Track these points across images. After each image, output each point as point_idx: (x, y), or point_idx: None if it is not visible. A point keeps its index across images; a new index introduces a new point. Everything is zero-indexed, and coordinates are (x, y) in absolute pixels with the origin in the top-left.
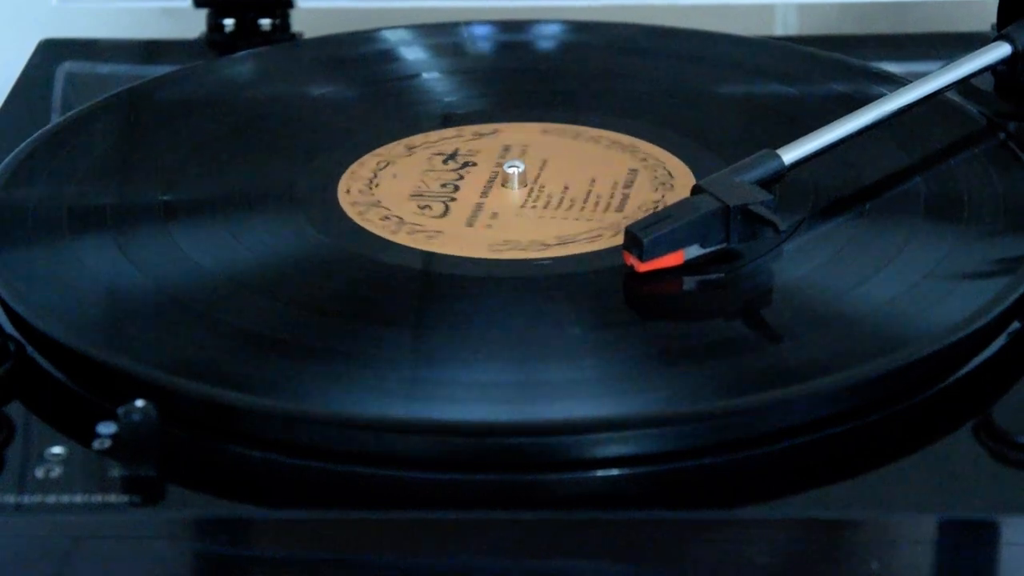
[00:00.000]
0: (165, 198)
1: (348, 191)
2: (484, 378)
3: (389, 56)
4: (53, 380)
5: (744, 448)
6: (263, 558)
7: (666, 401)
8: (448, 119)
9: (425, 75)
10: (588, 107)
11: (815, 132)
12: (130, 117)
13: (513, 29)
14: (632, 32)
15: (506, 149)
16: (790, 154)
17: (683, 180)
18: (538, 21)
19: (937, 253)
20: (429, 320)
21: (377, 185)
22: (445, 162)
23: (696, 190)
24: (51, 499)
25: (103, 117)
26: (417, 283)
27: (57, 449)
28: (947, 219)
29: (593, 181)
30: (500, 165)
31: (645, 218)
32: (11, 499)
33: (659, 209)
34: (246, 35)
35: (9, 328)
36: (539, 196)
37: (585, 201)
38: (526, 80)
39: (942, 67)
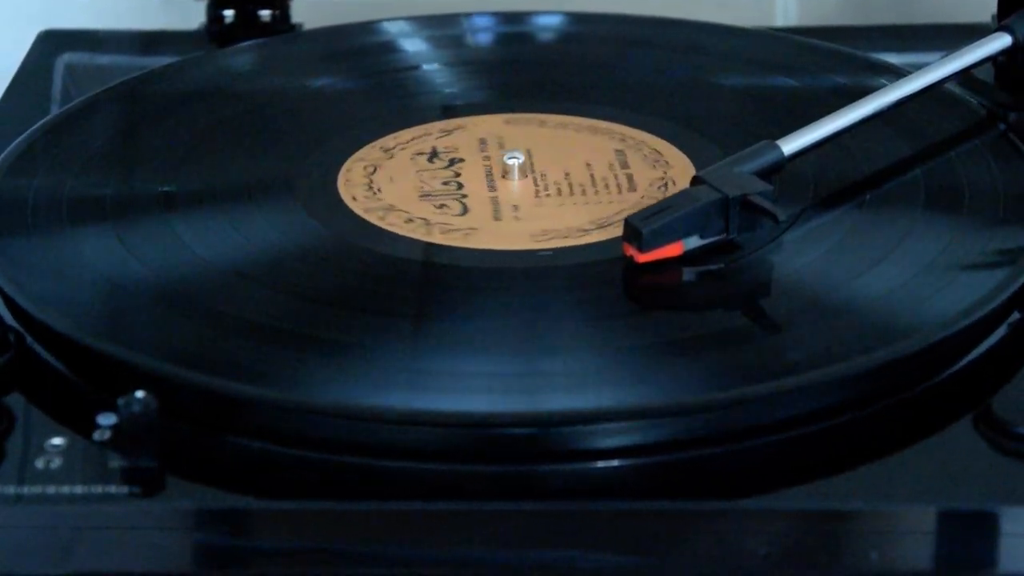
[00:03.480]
0: (165, 189)
1: (348, 182)
2: (484, 369)
3: (389, 47)
4: (53, 371)
5: (744, 439)
6: (263, 549)
7: (665, 392)
8: (448, 110)
9: (425, 66)
10: (587, 98)
11: (815, 123)
12: (130, 108)
13: (513, 20)
14: (632, 23)
15: (482, 141)
16: (790, 145)
17: (683, 170)
18: (538, 12)
19: (937, 244)
20: (429, 311)
21: (377, 183)
22: (431, 159)
23: (695, 181)
24: (51, 490)
25: (103, 108)
26: (417, 274)
27: (57, 440)
28: (947, 210)
29: (588, 165)
30: (492, 157)
31: (644, 209)
32: (11, 490)
33: (664, 192)
34: (246, 26)
35: (9, 319)
36: (547, 185)
37: (594, 184)
38: (525, 71)
39: (942, 58)
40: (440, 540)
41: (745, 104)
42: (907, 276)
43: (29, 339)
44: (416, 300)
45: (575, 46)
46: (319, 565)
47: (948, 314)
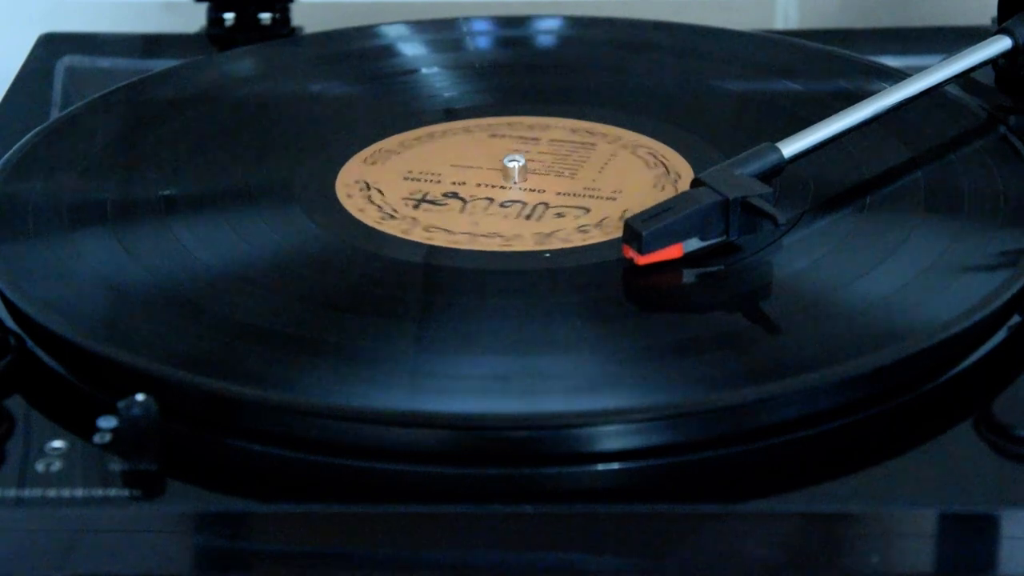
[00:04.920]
0: (165, 192)
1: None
2: (483, 371)
3: (389, 51)
4: (54, 374)
5: (744, 441)
6: (263, 552)
7: (666, 395)
8: (447, 113)
9: (424, 70)
10: (587, 101)
11: (815, 125)
12: (130, 112)
13: (513, 24)
14: (632, 26)
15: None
16: (790, 147)
17: (683, 173)
18: (538, 16)
19: (937, 246)
20: (429, 313)
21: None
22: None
23: (696, 183)
24: (52, 493)
25: (103, 111)
26: (416, 277)
27: (58, 443)
28: (947, 213)
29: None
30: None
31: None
32: (12, 493)
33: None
34: (246, 29)
35: (9, 322)
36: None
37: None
38: (526, 75)
39: (942, 61)
40: (440, 543)
41: (745, 107)
42: (907, 279)
43: (29, 342)
44: (415, 302)
45: (575, 49)
46: (319, 568)
47: (948, 316)
